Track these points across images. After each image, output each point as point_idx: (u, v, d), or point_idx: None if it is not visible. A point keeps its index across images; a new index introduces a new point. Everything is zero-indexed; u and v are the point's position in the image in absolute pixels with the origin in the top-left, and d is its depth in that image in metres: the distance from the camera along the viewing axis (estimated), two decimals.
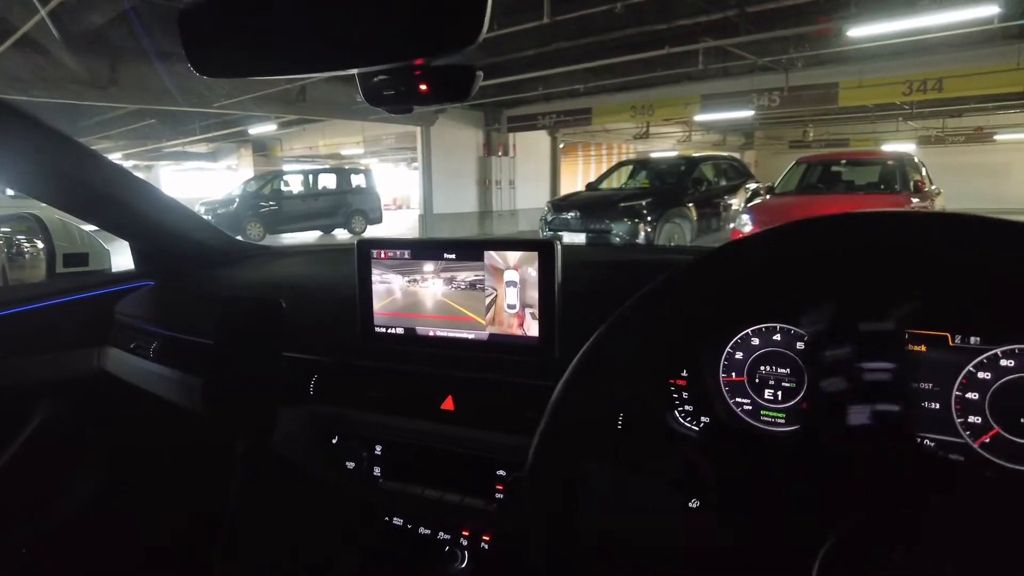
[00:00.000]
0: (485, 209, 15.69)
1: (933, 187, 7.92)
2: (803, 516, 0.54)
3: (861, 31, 7.31)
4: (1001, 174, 19.33)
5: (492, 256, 0.93)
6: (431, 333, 0.99)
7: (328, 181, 16.88)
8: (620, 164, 10.41)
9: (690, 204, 8.49)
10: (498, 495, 0.93)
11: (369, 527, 1.08)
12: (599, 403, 0.61)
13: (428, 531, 1.02)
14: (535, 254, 0.89)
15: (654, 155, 15.29)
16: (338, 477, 1.05)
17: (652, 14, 8.20)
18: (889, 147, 16.31)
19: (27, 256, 1.78)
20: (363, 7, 0.57)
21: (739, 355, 0.82)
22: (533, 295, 0.90)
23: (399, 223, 15.51)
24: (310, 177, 16.61)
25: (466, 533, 0.98)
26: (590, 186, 9.62)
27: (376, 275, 1.01)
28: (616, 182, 9.74)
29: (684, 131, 20.64)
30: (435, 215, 14.80)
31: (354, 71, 0.64)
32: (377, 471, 1.03)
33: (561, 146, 21.12)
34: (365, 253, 1.02)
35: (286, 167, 19.09)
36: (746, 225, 6.63)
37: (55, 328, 1.45)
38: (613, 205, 8.01)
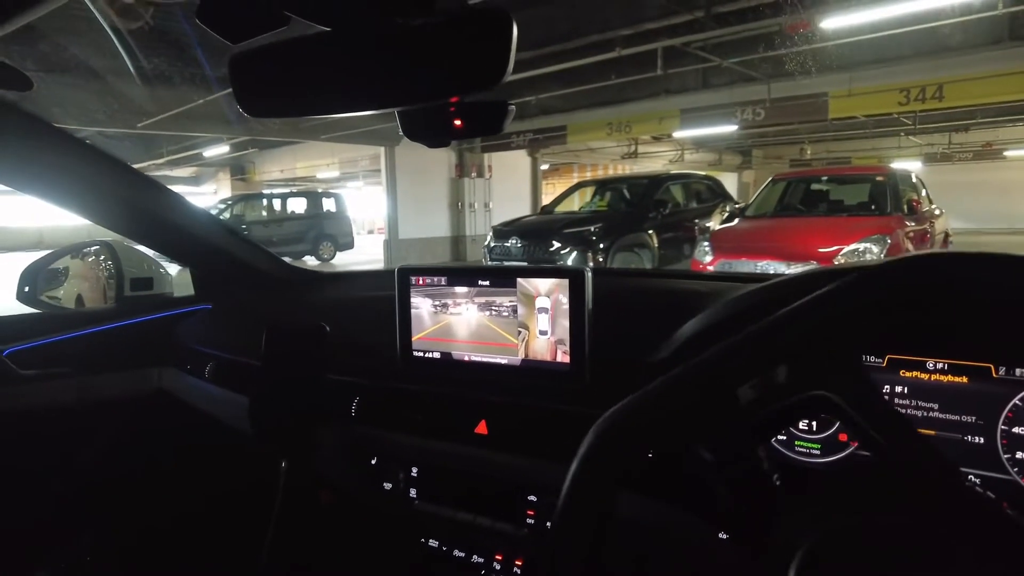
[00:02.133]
0: (459, 234, 14.74)
1: (933, 207, 6.84)
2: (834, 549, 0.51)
3: (836, 22, 6.27)
4: (1012, 192, 18.38)
5: (524, 283, 0.96)
6: (466, 358, 1.02)
7: (297, 205, 16.35)
8: (579, 184, 9.39)
9: (650, 230, 7.38)
10: (528, 520, 0.93)
11: (405, 548, 1.08)
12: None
13: (462, 554, 1.02)
14: (566, 281, 0.92)
15: (619, 175, 14.34)
16: (375, 497, 1.08)
17: (616, 18, 7.36)
18: (895, 164, 15.39)
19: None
20: (397, 51, 0.60)
21: None
22: (564, 322, 0.92)
23: (374, 249, 14.69)
24: (275, 201, 15.97)
25: (499, 557, 0.98)
26: (544, 209, 8.56)
27: (415, 301, 1.04)
28: (575, 204, 8.68)
29: (676, 150, 19.73)
30: (404, 240, 13.87)
31: (392, 109, 0.66)
32: (413, 492, 1.06)
33: (545, 167, 20.37)
34: (405, 279, 1.05)
35: (266, 191, 18.55)
36: (706, 255, 5.57)
37: (122, 348, 1.51)
38: (557, 232, 6.95)
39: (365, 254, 16.59)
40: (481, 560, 1.01)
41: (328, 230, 15.94)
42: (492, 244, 7.44)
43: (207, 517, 1.53)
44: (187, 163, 18.52)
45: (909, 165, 18.88)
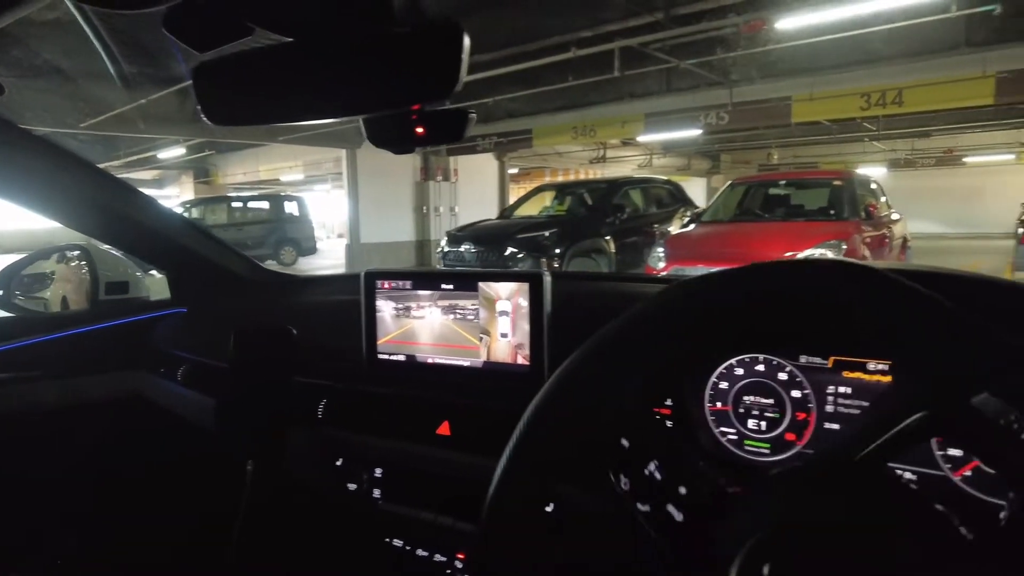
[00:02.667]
0: (423, 238, 14.47)
1: (891, 212, 6.76)
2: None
3: (789, 23, 6.16)
4: (972, 198, 18.66)
5: (486, 287, 0.98)
6: (430, 360, 1.05)
7: (258, 209, 15.93)
8: (539, 188, 9.17)
9: (608, 235, 7.18)
10: None
11: (370, 548, 1.10)
12: (572, 433, 0.59)
13: (426, 553, 1.03)
14: (526, 285, 0.95)
15: (578, 179, 14.20)
16: (341, 498, 1.09)
17: (575, 20, 7.19)
18: (859, 170, 15.50)
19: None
20: (356, 62, 0.61)
21: (724, 385, 0.84)
22: (525, 325, 0.95)
23: (341, 253, 14.39)
24: (236, 204, 15.59)
25: (461, 556, 0.99)
26: (503, 213, 8.33)
27: (380, 304, 1.07)
28: (535, 208, 8.47)
29: (644, 155, 19.68)
30: (367, 245, 13.56)
31: (356, 117, 0.68)
32: (377, 493, 1.08)
33: (514, 171, 20.18)
34: (371, 283, 1.07)
35: (232, 193, 18.15)
36: (659, 261, 5.39)
37: (96, 352, 1.51)
38: (511, 237, 6.72)
39: (329, 259, 16.25)
40: (444, 559, 1.02)
41: (290, 234, 15.63)
42: (446, 250, 7.19)
43: (177, 519, 1.53)
44: (144, 165, 17.99)
45: (873, 170, 19.13)
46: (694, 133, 10.67)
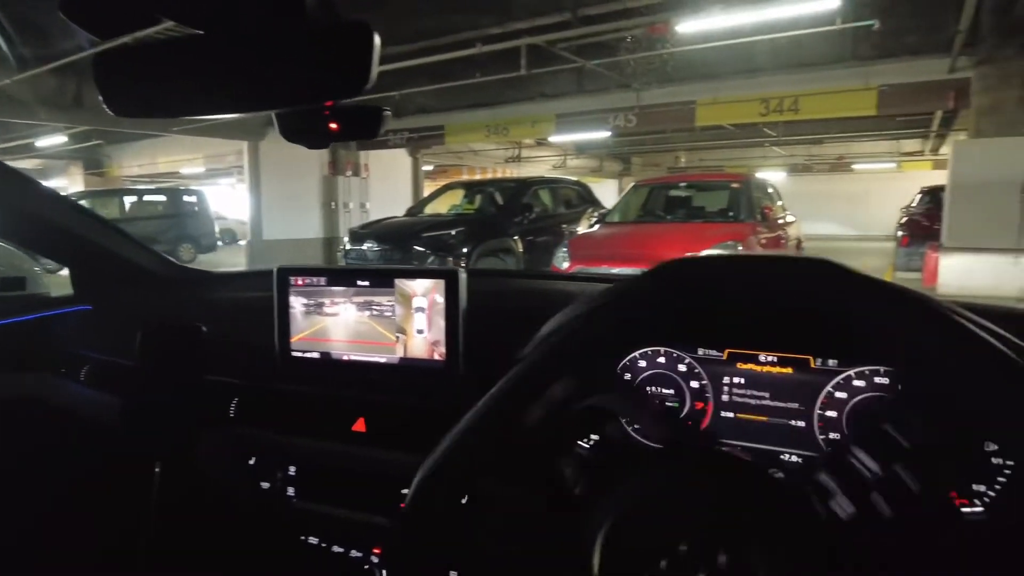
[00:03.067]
0: (332, 235, 13.98)
1: (786, 215, 7.04)
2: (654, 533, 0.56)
3: (689, 27, 6.31)
4: (860, 202, 19.93)
5: (402, 284, 0.99)
6: (345, 357, 1.04)
7: (154, 203, 14.97)
8: (448, 186, 9.03)
9: (516, 235, 7.13)
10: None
11: (285, 546, 1.09)
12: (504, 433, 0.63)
13: (341, 549, 1.03)
14: (442, 282, 0.96)
15: (488, 178, 14.19)
16: (254, 497, 1.09)
17: (484, 16, 7.07)
18: (760, 173, 16.22)
19: None
20: (266, 57, 0.61)
21: (627, 376, 0.88)
22: (440, 321, 0.96)
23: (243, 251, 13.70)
24: (129, 199, 14.61)
25: (377, 551, 1.00)
26: (410, 211, 8.13)
27: (294, 301, 1.05)
28: (444, 206, 8.32)
29: (559, 155, 19.88)
30: (270, 242, 12.97)
31: (266, 112, 0.68)
32: (291, 491, 1.07)
33: (429, 168, 19.91)
34: (284, 280, 1.06)
35: (138, 186, 16.95)
36: (563, 261, 5.38)
37: None
38: (416, 236, 6.54)
39: (237, 256, 15.45)
40: (360, 555, 1.02)
41: (189, 230, 14.78)
42: (348, 247, 6.93)
43: (81, 521, 1.46)
44: (20, 154, 16.51)
45: (774, 174, 20.12)
46: (603, 134, 10.83)
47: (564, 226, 7.77)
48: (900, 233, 10.65)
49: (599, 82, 9.64)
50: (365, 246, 6.62)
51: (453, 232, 6.60)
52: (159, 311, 1.42)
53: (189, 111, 0.70)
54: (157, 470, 1.17)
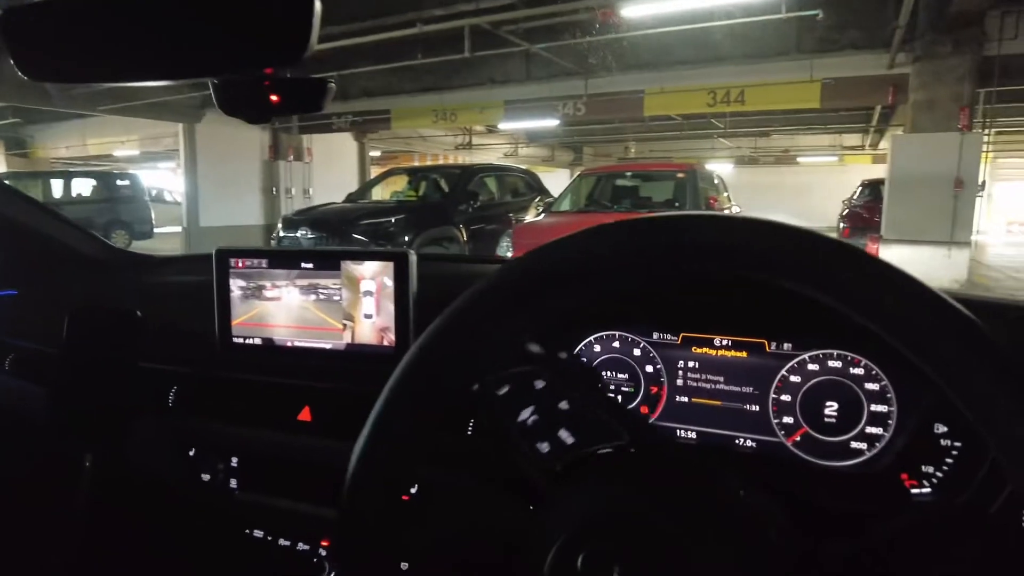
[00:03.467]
0: (272, 222, 13.49)
1: (731, 205, 7.04)
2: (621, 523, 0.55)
3: (635, 10, 6.20)
4: (804, 194, 20.36)
5: (349, 266, 0.94)
6: (289, 343, 1.00)
7: (83, 187, 14.20)
8: (390, 172, 8.76)
9: (460, 223, 6.92)
10: None
11: (228, 541, 1.05)
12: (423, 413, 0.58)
13: (288, 543, 1.00)
14: (391, 264, 0.91)
15: (432, 164, 13.91)
16: (193, 490, 1.05)
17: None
18: (709, 165, 16.40)
19: None
20: (197, 18, 0.57)
21: (583, 361, 0.86)
22: (390, 306, 0.92)
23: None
24: (56, 182, 13.85)
25: (325, 543, 0.97)
26: (350, 197, 7.82)
27: (234, 285, 1.00)
28: (387, 193, 8.04)
29: (510, 143, 19.70)
30: (207, 229, 12.42)
31: (200, 80, 0.64)
32: (233, 483, 1.03)
33: (377, 153, 19.47)
34: (223, 262, 1.01)
35: (73, 169, 16.02)
36: (508, 251, 5.23)
37: None
38: (352, 223, 6.25)
39: (172, 243, 14.77)
40: (307, 547, 0.98)
41: (122, 216, 14.02)
42: (281, 235, 6.59)
43: (6, 518, 1.38)
44: None
45: (722, 166, 20.43)
46: (552, 122, 10.70)
47: (511, 215, 7.59)
48: (842, 225, 10.89)
49: (548, 69, 9.49)
50: (298, 233, 6.29)
51: (393, 220, 6.33)
52: (92, 296, 1.34)
53: (113, 77, 0.64)
54: (88, 463, 1.12)
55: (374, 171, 15.24)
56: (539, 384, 0.72)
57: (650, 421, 0.83)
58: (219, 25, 0.55)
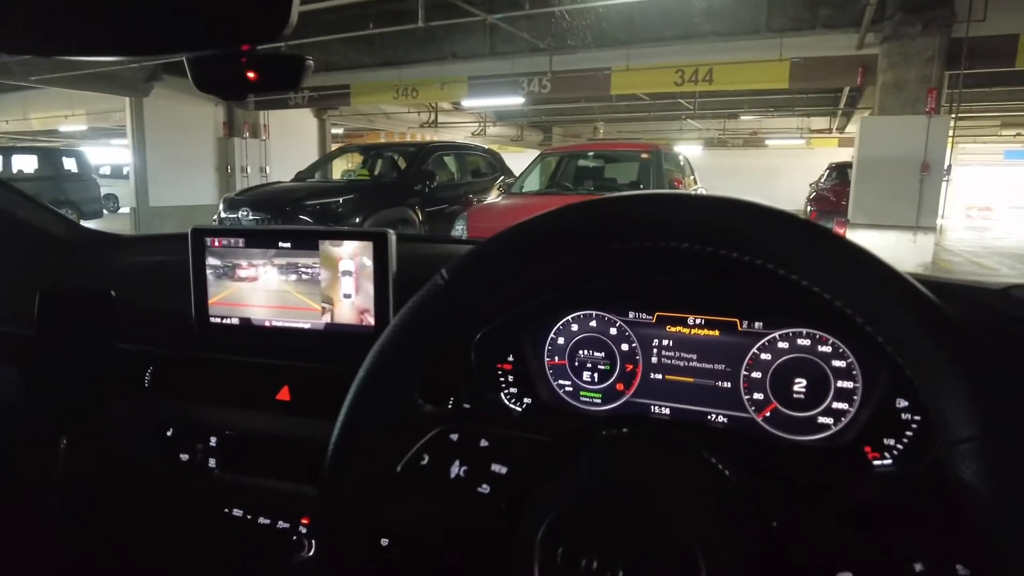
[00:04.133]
0: None
1: (697, 187, 6.83)
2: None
3: None
4: (772, 176, 20.40)
5: (327, 246, 0.94)
6: (267, 323, 1.00)
7: (25, 164, 13.44)
8: (342, 149, 8.35)
9: (415, 204, 6.58)
10: None
11: (208, 520, 1.05)
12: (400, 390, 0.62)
13: (268, 521, 1.00)
14: (370, 244, 0.91)
15: (387, 142, 13.44)
16: (172, 470, 1.05)
17: None
18: (677, 147, 16.25)
19: None
20: None
21: (561, 340, 0.88)
22: (369, 286, 0.92)
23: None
24: None
25: (305, 521, 0.97)
26: (299, 176, 7.41)
27: (210, 264, 1.00)
28: (336, 172, 7.64)
29: (478, 122, 19.28)
30: (158, 209, 11.87)
31: (177, 56, 0.61)
32: (212, 463, 1.03)
33: (339, 131, 18.91)
34: (199, 241, 1.00)
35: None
36: (460, 235, 4.94)
37: None
38: (297, 203, 5.87)
39: (121, 223, 14.13)
40: (287, 525, 0.98)
41: (69, 195, 13.29)
42: (222, 216, 6.19)
43: None
44: None
45: (690, 148, 20.31)
46: (517, 100, 10.36)
47: (471, 196, 7.26)
48: (809, 208, 10.80)
49: (512, 44, 9.15)
50: (239, 214, 5.90)
51: (340, 200, 5.94)
52: (62, 277, 1.32)
53: (81, 50, 0.61)
54: (63, 446, 1.11)
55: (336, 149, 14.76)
56: (454, 437, 0.68)
57: (626, 398, 0.85)
58: (191, 4, 0.53)
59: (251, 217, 5.84)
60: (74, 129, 17.33)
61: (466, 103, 11.96)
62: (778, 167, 20.48)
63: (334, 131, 18.37)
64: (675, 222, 0.53)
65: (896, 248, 7.84)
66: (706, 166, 18.63)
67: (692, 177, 6.91)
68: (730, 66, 8.82)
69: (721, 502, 0.55)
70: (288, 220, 5.68)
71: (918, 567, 0.50)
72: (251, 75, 0.65)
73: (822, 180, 12.05)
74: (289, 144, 13.65)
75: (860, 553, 0.52)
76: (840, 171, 11.14)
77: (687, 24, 8.13)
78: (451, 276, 0.59)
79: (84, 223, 1.48)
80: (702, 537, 0.50)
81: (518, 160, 11.47)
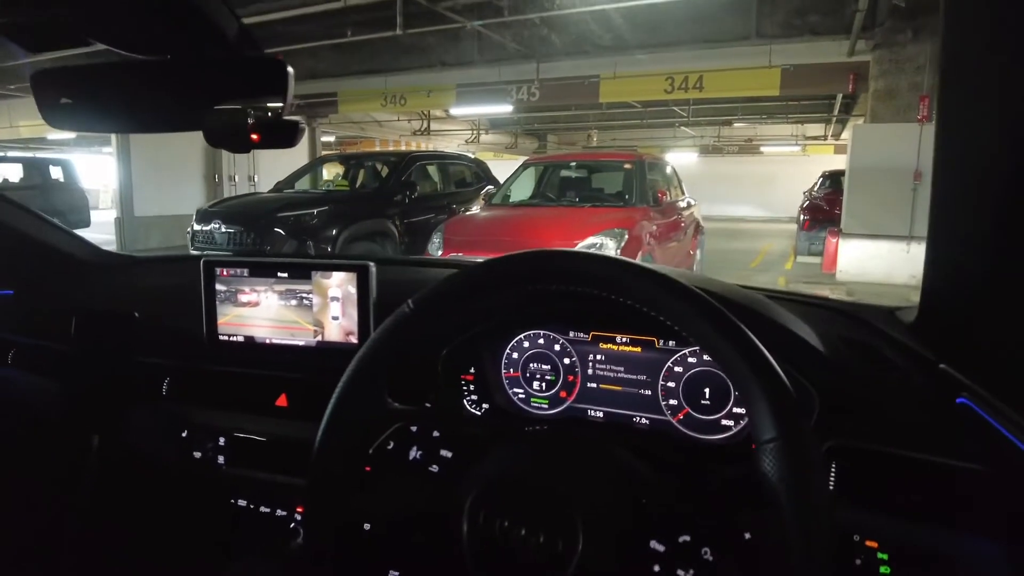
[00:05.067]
0: None
1: (684, 198, 6.66)
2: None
3: None
4: (768, 184, 20.21)
5: (318, 275, 1.08)
6: (268, 341, 1.14)
7: (10, 173, 13.28)
8: (323, 159, 8.19)
9: (395, 216, 6.39)
10: None
11: (217, 508, 1.19)
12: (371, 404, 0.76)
13: (268, 509, 1.13)
14: (354, 274, 1.06)
15: (368, 151, 13.24)
16: (186, 465, 1.18)
17: None
18: (671, 155, 16.10)
19: None
20: (191, 85, 0.69)
21: (515, 355, 1.03)
22: (353, 311, 1.07)
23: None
24: None
25: (300, 510, 1.09)
26: (278, 186, 7.23)
27: (220, 289, 1.14)
28: (315, 182, 7.45)
29: (471, 130, 19.16)
30: (144, 219, 11.72)
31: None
32: (221, 459, 1.16)
33: (330, 139, 18.80)
34: (210, 271, 1.15)
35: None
36: (437, 249, 4.77)
37: None
38: (270, 216, 5.69)
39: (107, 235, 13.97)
40: (284, 513, 1.11)
41: (56, 204, 13.05)
42: (195, 229, 6.01)
43: (20, 493, 1.44)
44: None
45: (685, 156, 20.17)
46: (505, 108, 10.24)
47: (455, 207, 7.07)
48: (802, 217, 10.62)
49: (500, 52, 9.04)
50: (211, 227, 5.72)
51: (315, 212, 5.75)
52: (84, 296, 1.46)
53: (122, 127, 0.88)
54: (95, 444, 1.26)
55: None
56: (414, 428, 0.83)
57: (568, 403, 0.99)
58: (211, 91, 0.68)
59: (223, 230, 5.66)
60: (63, 137, 17.19)
61: (454, 110, 11.81)
62: (774, 174, 20.30)
63: (326, 139, 18.25)
64: (550, 270, 0.69)
65: (889, 258, 7.69)
66: (701, 173, 18.48)
67: (679, 187, 6.73)
68: (721, 73, 8.69)
69: (601, 480, 0.69)
70: (261, 232, 5.51)
71: (746, 535, 0.64)
72: (255, 137, 0.74)
73: (815, 189, 11.88)
74: (279, 152, 13.48)
75: (703, 522, 0.65)
76: (834, 179, 10.98)
77: (676, 31, 8.01)
78: (415, 306, 0.72)
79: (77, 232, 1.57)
80: (583, 504, 0.64)
81: (512, 168, 11.33)
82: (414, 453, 0.80)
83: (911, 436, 0.75)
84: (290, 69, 0.63)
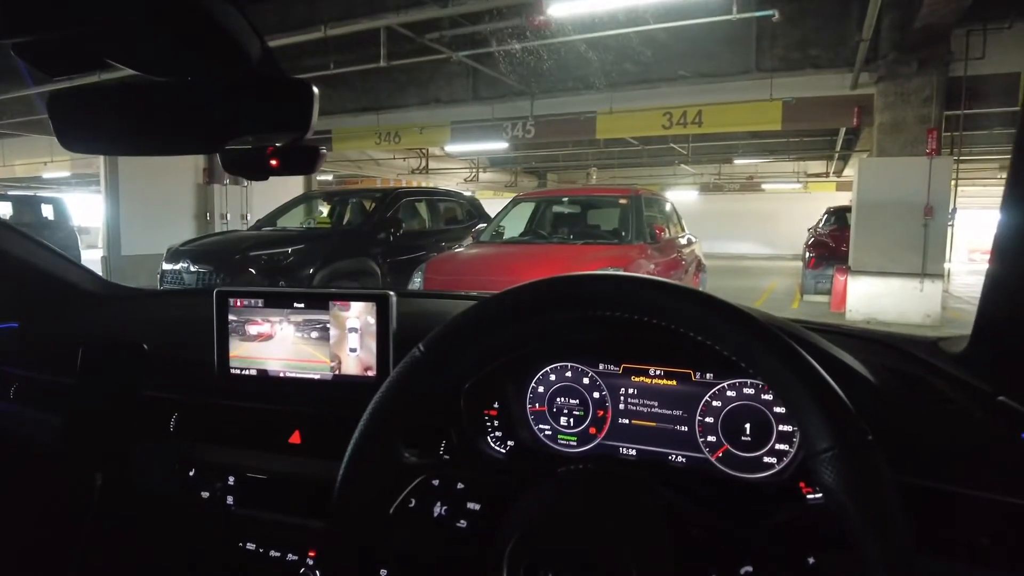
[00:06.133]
0: None
1: (683, 235, 6.34)
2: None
3: (561, 9, 5.48)
4: (770, 221, 20.02)
5: (336, 306, 1.03)
6: (282, 374, 1.08)
7: (1, 212, 13.14)
8: (306, 196, 7.90)
9: (378, 255, 6.05)
10: None
11: (224, 552, 1.14)
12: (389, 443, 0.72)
13: (278, 553, 1.08)
14: (374, 305, 1.00)
15: (353, 187, 13.02)
16: (194, 506, 1.13)
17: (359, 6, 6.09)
18: (672, 193, 15.90)
19: None
20: (212, 107, 0.65)
21: (541, 389, 0.97)
22: (372, 343, 1.01)
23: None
24: None
25: (312, 554, 1.05)
26: (258, 223, 6.93)
27: (232, 321, 1.09)
28: (298, 220, 7.16)
29: (470, 168, 19.06)
30: (131, 257, 11.43)
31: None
32: (230, 500, 1.10)
33: (328, 177, 18.70)
34: (223, 301, 1.10)
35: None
36: (418, 287, 4.43)
37: None
38: (243, 255, 5.35)
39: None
40: (296, 558, 1.05)
41: (47, 243, 12.98)
42: (164, 268, 5.68)
43: (18, 533, 1.41)
44: None
45: (686, 193, 20.01)
46: (501, 145, 10.03)
47: (444, 245, 6.74)
48: (807, 255, 10.29)
49: (495, 88, 8.86)
50: (180, 266, 5.40)
51: (289, 251, 5.42)
52: (91, 327, 1.43)
53: (139, 150, 0.74)
54: (99, 483, 1.21)
55: None
56: (435, 482, 0.77)
57: (598, 440, 0.93)
58: (233, 113, 0.63)
59: (192, 269, 5.33)
60: (58, 176, 17.09)
61: (449, 148, 11.64)
62: (775, 211, 20.12)
63: (324, 177, 18.14)
64: (584, 295, 0.67)
65: (901, 296, 7.32)
66: (702, 211, 18.30)
67: (679, 224, 6.41)
68: (720, 107, 8.50)
69: (649, 517, 0.66)
70: (232, 272, 5.16)
71: (810, 560, 0.62)
72: (274, 163, 0.71)
73: (820, 225, 11.58)
74: (274, 190, 13.22)
75: (764, 551, 0.63)
76: (839, 215, 10.69)
77: (674, 65, 7.82)
78: (426, 348, 0.71)
79: None
80: (633, 544, 0.62)
81: None
82: (439, 510, 0.75)
83: (973, 473, 0.70)
84: (315, 90, 0.60)
